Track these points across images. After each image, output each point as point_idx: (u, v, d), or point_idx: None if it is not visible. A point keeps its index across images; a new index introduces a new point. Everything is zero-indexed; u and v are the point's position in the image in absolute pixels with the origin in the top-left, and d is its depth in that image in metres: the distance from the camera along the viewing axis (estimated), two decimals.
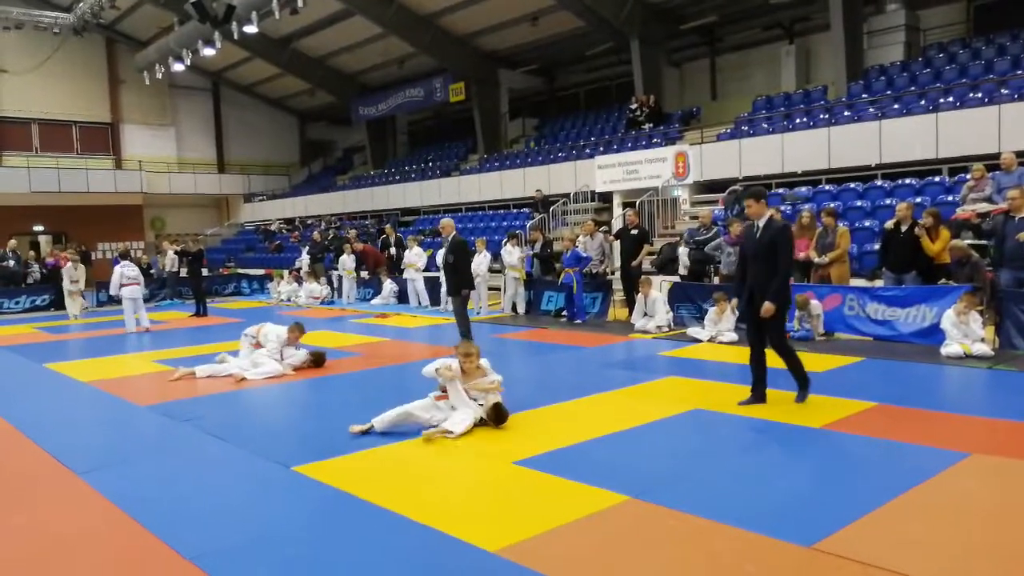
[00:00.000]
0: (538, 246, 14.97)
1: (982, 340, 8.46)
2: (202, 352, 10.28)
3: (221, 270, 25.53)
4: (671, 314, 11.31)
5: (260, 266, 25.70)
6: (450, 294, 10.93)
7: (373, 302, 17.34)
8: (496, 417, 5.97)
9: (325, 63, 28.87)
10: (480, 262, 14.56)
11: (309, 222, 29.40)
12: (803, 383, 6.48)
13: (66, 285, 16.34)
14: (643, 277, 11.91)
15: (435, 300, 15.59)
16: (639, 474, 4.72)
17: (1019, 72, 14.57)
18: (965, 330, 8.45)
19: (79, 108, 30.54)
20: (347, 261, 18.44)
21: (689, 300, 11.48)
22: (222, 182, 34.29)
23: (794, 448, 5.31)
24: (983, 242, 10.37)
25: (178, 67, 25.89)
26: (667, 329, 11.04)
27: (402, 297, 16.86)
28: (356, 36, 25.43)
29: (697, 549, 3.65)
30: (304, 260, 21.43)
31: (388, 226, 19.84)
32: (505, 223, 20.89)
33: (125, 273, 13.90)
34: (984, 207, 11.06)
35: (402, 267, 16.85)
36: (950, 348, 8.36)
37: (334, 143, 37.44)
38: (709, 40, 22.49)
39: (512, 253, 14.40)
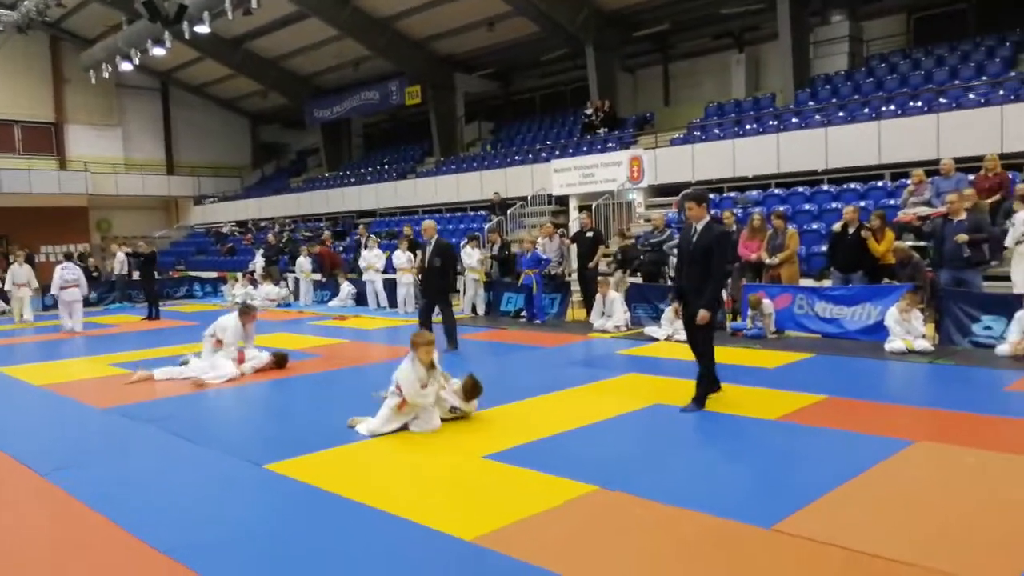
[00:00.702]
0: (496, 248, 15.13)
1: (923, 336, 8.89)
2: (157, 355, 10.15)
3: (171, 273, 25.06)
4: (628, 314, 11.55)
5: (212, 269, 25.29)
6: (428, 296, 10.31)
7: (330, 304, 17.26)
8: (472, 389, 6.07)
9: (278, 64, 28.58)
10: None
11: (262, 224, 29.01)
12: (701, 396, 6.39)
13: (9, 287, 15.90)
14: (601, 278, 12.14)
15: (393, 302, 15.61)
16: (606, 465, 4.88)
17: (956, 82, 15.26)
18: (907, 327, 8.86)
19: (22, 107, 29.63)
20: (304, 263, 18.31)
21: (646, 300, 11.74)
22: (171, 184, 33.61)
23: (751, 438, 5.54)
24: (923, 244, 10.87)
25: (126, 67, 25.33)
26: (624, 328, 11.28)
27: (360, 299, 16.82)
28: (311, 38, 25.25)
29: (665, 534, 3.83)
30: (258, 263, 21.19)
31: (362, 227, 19.50)
32: (463, 226, 20.98)
33: (64, 276, 13.66)
34: (924, 210, 11.57)
35: (362, 268, 16.75)
36: (893, 344, 8.76)
37: (288, 145, 37.01)
38: (662, 47, 22.96)
39: (471, 255, 14.52)
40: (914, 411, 6.20)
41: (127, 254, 20.44)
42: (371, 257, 16.10)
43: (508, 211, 19.21)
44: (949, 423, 5.76)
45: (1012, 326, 8.25)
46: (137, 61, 24.52)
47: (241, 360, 8.66)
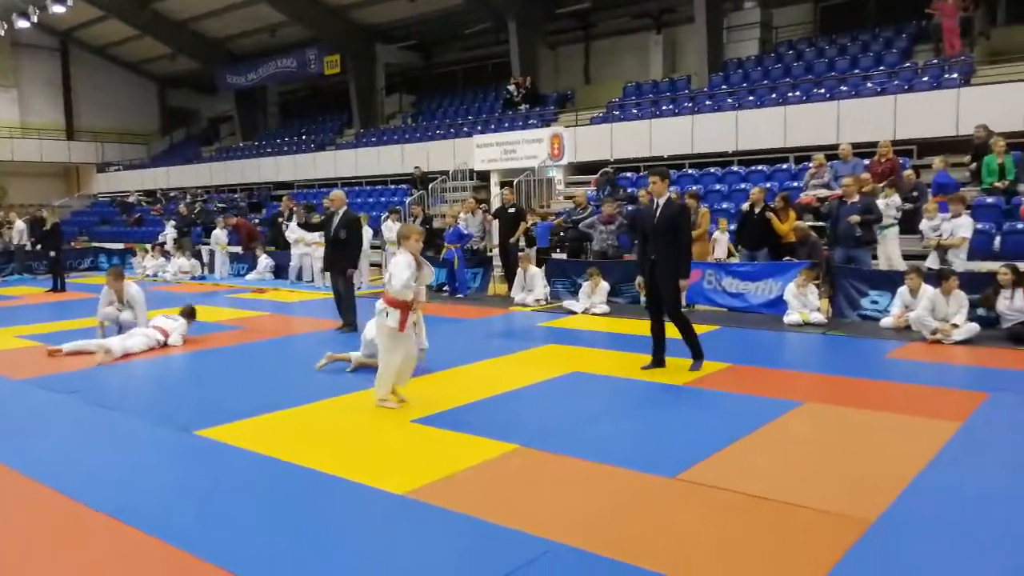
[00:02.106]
0: (418, 222, 15.20)
1: (818, 310, 9.60)
2: (67, 328, 9.88)
3: (73, 243, 23.97)
4: (548, 288, 11.92)
5: (118, 240, 24.34)
6: (329, 270, 10.05)
7: (248, 277, 16.99)
8: None
9: (189, 27, 27.54)
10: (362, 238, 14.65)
11: (172, 195, 28.04)
12: (697, 352, 6.92)
13: None
14: (522, 253, 12.45)
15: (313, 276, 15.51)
16: (527, 427, 5.21)
17: (856, 71, 16.20)
18: (804, 301, 9.54)
19: None
20: (220, 235, 17.90)
21: (564, 275, 12.14)
22: (72, 150, 32.01)
23: (660, 402, 5.97)
24: (822, 224, 11.63)
25: (22, 24, 23.90)
26: (544, 302, 11.66)
27: (279, 272, 16.62)
28: (223, 0, 24.43)
29: (580, 484, 4.18)
30: (169, 234, 20.57)
31: (286, 198, 18.96)
32: (383, 199, 20.93)
33: None
34: (823, 192, 12.37)
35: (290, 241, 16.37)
36: (791, 317, 9.43)
37: (198, 112, 35.72)
38: (584, 25, 23.31)
39: (392, 229, 14.57)
40: (806, 376, 6.79)
41: (27, 221, 19.48)
42: (299, 230, 15.85)
43: (430, 185, 19.27)
44: (835, 387, 6.35)
45: (895, 300, 9.01)
46: (35, 18, 23.21)
47: (165, 335, 8.52)
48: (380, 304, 5.91)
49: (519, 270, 12.07)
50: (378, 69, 26.08)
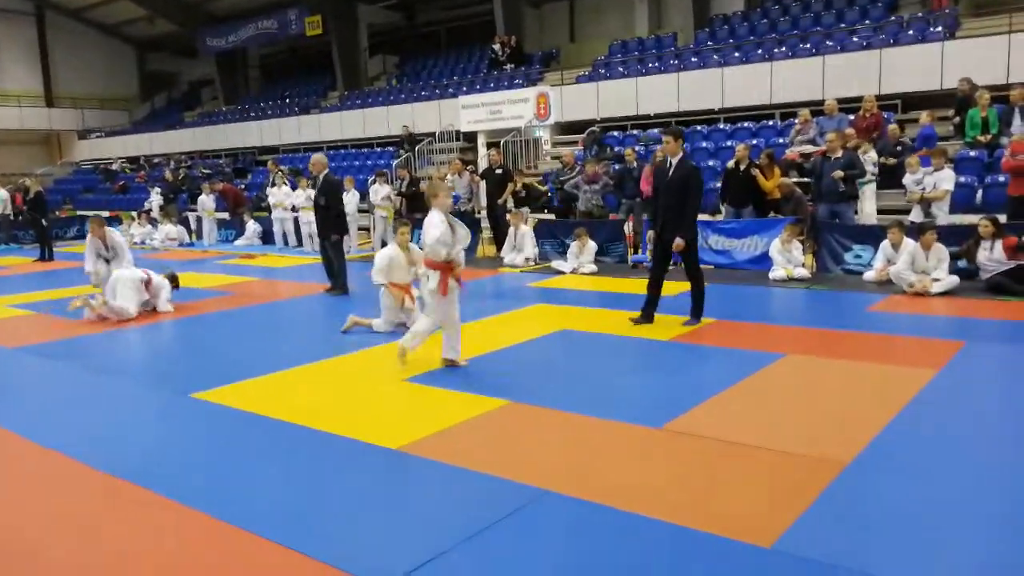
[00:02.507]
0: (404, 184, 15.20)
1: (802, 265, 9.74)
2: (59, 296, 9.91)
3: (59, 212, 23.78)
4: (537, 248, 12.00)
5: (102, 208, 24.11)
6: (320, 236, 10.12)
7: (236, 243, 16.98)
8: None
9: None
10: (348, 201, 14.64)
11: (156, 161, 27.76)
12: (699, 310, 7.08)
13: None
14: (514, 211, 12.47)
15: (300, 240, 15.53)
16: (517, 383, 5.35)
17: (842, 25, 16.15)
18: (788, 256, 9.68)
19: None
20: (207, 201, 17.85)
21: (552, 236, 12.22)
22: (52, 117, 31.57)
23: (647, 356, 6.12)
24: (806, 180, 11.72)
25: None
26: (533, 263, 11.75)
27: (267, 238, 16.62)
28: None
29: (569, 434, 4.33)
30: (155, 201, 20.46)
31: (271, 162, 18.80)
32: (369, 162, 20.82)
33: None
34: (808, 149, 12.43)
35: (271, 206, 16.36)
36: (776, 272, 9.57)
37: (178, 75, 35.18)
38: None
39: (379, 192, 14.58)
40: (789, 330, 6.95)
41: (10, 191, 19.32)
42: (280, 195, 15.85)
43: (416, 147, 19.18)
44: (817, 339, 6.52)
45: (878, 254, 9.16)
46: None
47: (150, 287, 8.52)
48: (422, 268, 5.88)
49: (511, 228, 12.13)
50: (361, 30, 25.71)
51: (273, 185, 16.22)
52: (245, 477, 3.87)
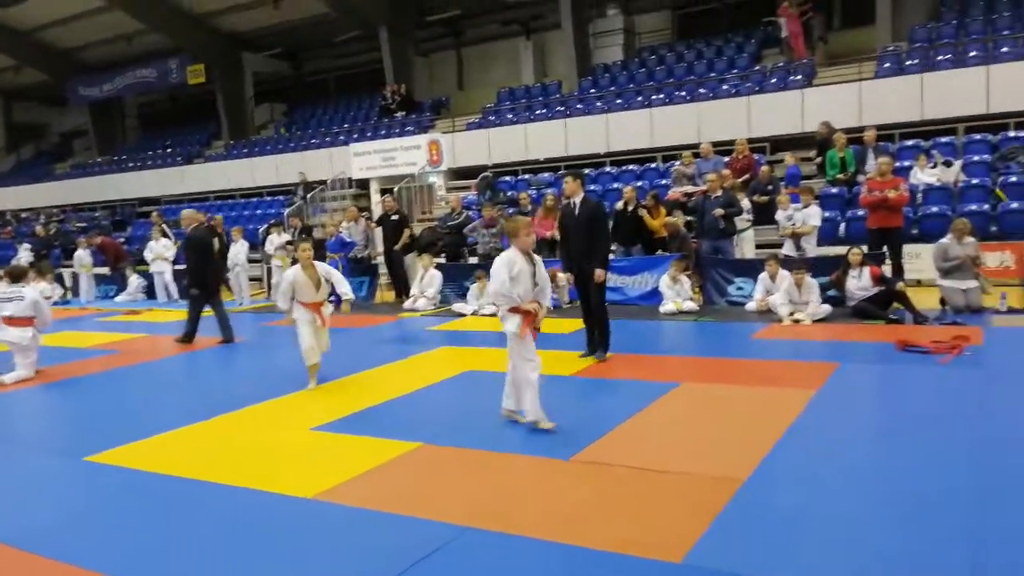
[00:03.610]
0: (296, 232, 14.97)
1: (690, 299, 10.27)
2: None
3: None
4: (439, 294, 12.06)
5: None
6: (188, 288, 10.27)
7: (117, 299, 16.16)
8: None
9: (35, 37, 25.73)
10: (238, 251, 14.36)
11: (24, 216, 26.12)
12: (605, 345, 7.29)
13: None
14: (424, 255, 12.52)
15: (185, 293, 14.98)
16: (427, 426, 5.38)
17: (713, 75, 17.30)
18: (677, 290, 10.19)
19: None
20: (83, 256, 16.92)
21: (451, 279, 12.33)
22: None
23: (551, 392, 6.21)
24: (690, 218, 12.41)
25: None
26: (432, 307, 11.81)
27: (151, 292, 15.91)
28: (72, 8, 23.04)
29: (482, 472, 4.42)
30: (23, 258, 19.20)
31: (155, 214, 18.02)
32: (259, 211, 20.41)
33: None
34: (690, 189, 13.18)
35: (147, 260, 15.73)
36: (666, 306, 10.05)
37: (48, 126, 33.40)
38: (454, 32, 23.57)
39: (274, 243, 14.32)
40: (682, 359, 7.33)
41: None
42: (158, 247, 15.26)
43: (309, 195, 18.98)
44: (708, 367, 6.91)
45: (758, 286, 9.79)
46: None
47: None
48: (502, 311, 5.32)
49: (420, 269, 12.17)
50: (246, 78, 25.33)
51: (152, 239, 15.64)
52: (150, 538, 3.73)
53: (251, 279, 15.02)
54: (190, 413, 6.08)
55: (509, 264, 5.09)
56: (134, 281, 16.16)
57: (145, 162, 25.43)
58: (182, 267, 14.87)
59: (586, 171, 16.41)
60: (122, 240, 20.16)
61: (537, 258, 5.30)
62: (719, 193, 10.68)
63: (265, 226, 15.43)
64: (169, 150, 26.17)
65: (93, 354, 9.51)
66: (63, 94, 28.16)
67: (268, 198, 21.53)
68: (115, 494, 4.42)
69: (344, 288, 7.31)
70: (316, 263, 7.11)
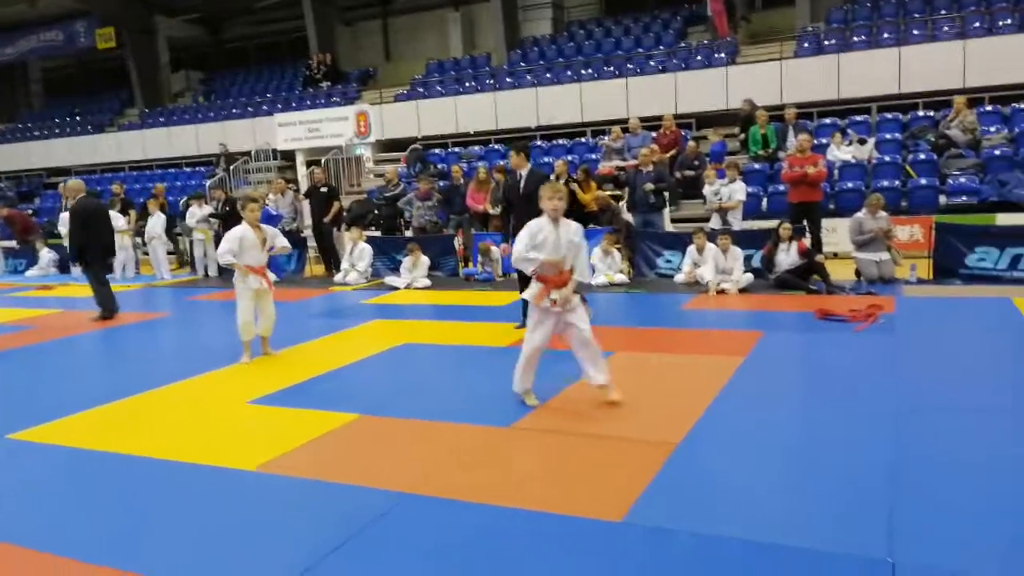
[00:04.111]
0: (220, 205, 14.52)
1: (621, 271, 10.48)
2: None
3: None
4: (370, 267, 11.94)
5: None
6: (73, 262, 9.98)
7: (28, 274, 15.39)
8: None
9: None
10: (155, 224, 13.91)
11: None
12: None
13: None
14: (353, 228, 12.33)
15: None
16: (365, 397, 5.38)
17: (640, 51, 17.52)
18: (609, 263, 10.39)
19: None
20: None
21: (383, 253, 12.22)
22: None
23: (489, 363, 6.36)
24: (619, 192, 12.62)
25: None
26: (365, 280, 11.69)
27: (64, 266, 15.18)
28: None
29: (423, 441, 4.45)
30: None
31: (62, 185, 17.08)
32: (179, 183, 19.69)
33: None
34: (620, 163, 13.39)
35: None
36: (598, 279, 10.21)
37: None
38: (381, 1, 23.10)
39: (195, 215, 13.86)
40: (615, 330, 7.47)
41: None
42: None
43: (232, 166, 18.40)
44: (640, 337, 7.11)
45: (686, 258, 10.07)
46: None
47: None
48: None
49: (348, 242, 11.98)
50: (160, 43, 24.24)
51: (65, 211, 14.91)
52: (89, 515, 3.63)
53: (168, 253, 14.52)
54: (120, 388, 5.89)
55: (532, 232, 4.87)
56: (45, 255, 15.41)
57: (52, 130, 24.11)
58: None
59: None
60: (30, 212, 19.14)
61: (570, 225, 4.99)
62: (650, 168, 10.90)
63: (185, 198, 14.89)
64: (78, 118, 24.86)
65: (5, 330, 9.07)
66: None
67: (187, 169, 20.77)
68: (45, 472, 4.27)
69: (283, 241, 7.09)
70: (262, 224, 6.93)
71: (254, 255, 6.73)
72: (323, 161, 16.49)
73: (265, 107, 20.58)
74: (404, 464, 4.10)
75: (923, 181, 11.85)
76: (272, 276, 7.10)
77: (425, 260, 11.17)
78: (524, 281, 7.36)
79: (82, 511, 3.70)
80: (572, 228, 4.98)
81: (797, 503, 3.44)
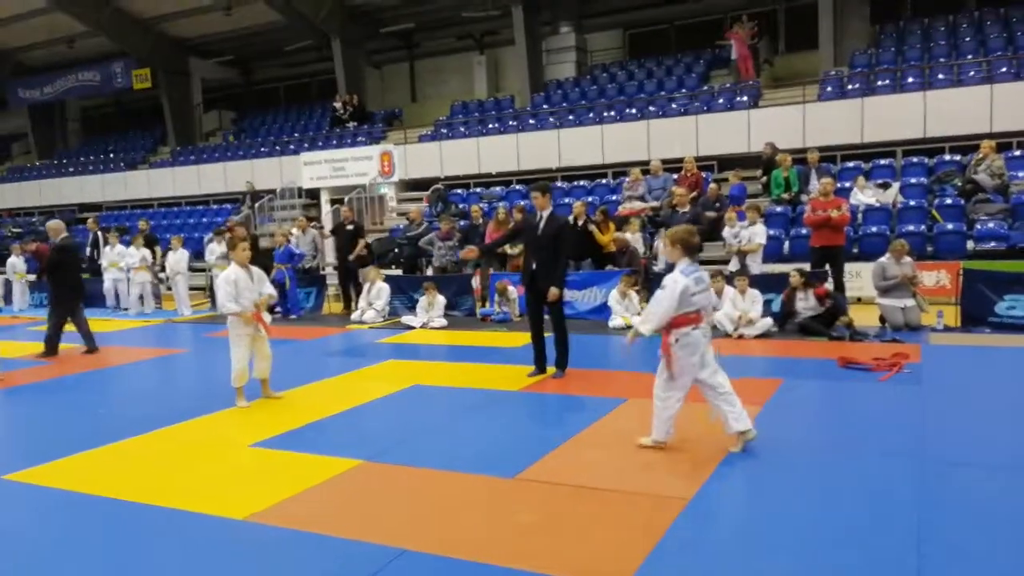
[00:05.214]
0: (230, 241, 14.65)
1: (639, 313, 10.32)
2: None
3: None
4: (387, 305, 11.91)
5: None
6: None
7: None
8: None
9: None
10: (178, 259, 14.04)
11: None
12: (563, 362, 7.20)
13: None
14: (370, 267, 12.33)
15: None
16: (369, 442, 5.27)
17: (662, 93, 17.58)
18: (626, 305, 10.25)
19: None
20: (16, 263, 16.30)
21: (401, 291, 12.20)
22: None
23: (498, 408, 6.24)
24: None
25: None
26: (382, 319, 11.66)
27: (90, 301, 15.32)
28: (11, 8, 22.28)
29: (424, 492, 4.32)
30: None
31: (91, 221, 17.45)
32: (205, 219, 19.97)
33: None
34: (639, 205, 13.32)
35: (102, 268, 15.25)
36: (615, 321, 10.09)
37: None
38: (408, 44, 23.52)
39: (215, 252, 13.99)
40: (629, 375, 7.32)
41: None
42: (113, 255, 14.82)
43: (257, 204, 18.63)
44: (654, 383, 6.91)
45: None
46: None
47: None
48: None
49: (366, 283, 11.98)
50: (194, 84, 24.84)
51: (106, 244, 15.20)
52: (72, 563, 3.54)
53: (191, 288, 14.66)
54: (125, 427, 5.84)
55: (677, 290, 4.64)
56: None
57: (86, 167, 24.69)
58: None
59: None
60: None
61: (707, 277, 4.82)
62: (687, 208, 10.80)
63: (210, 235, 15.06)
64: (112, 155, 25.46)
65: (24, 364, 9.13)
66: (2, 96, 27.21)
67: (215, 206, 21.08)
68: (32, 516, 4.20)
69: (269, 288, 6.86)
70: (250, 266, 6.76)
71: (248, 296, 6.50)
72: (347, 199, 16.63)
73: (292, 146, 20.90)
74: (401, 516, 3.97)
75: (950, 226, 11.61)
76: (267, 317, 6.90)
77: (441, 299, 11.12)
78: (536, 326, 7.26)
79: (57, 558, 3.61)
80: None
81: (817, 565, 3.25)
